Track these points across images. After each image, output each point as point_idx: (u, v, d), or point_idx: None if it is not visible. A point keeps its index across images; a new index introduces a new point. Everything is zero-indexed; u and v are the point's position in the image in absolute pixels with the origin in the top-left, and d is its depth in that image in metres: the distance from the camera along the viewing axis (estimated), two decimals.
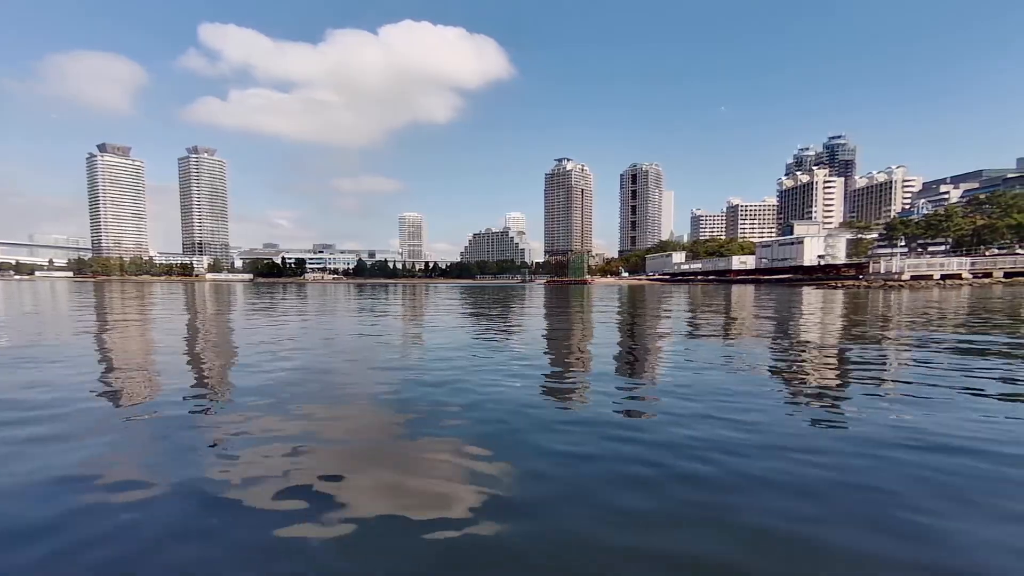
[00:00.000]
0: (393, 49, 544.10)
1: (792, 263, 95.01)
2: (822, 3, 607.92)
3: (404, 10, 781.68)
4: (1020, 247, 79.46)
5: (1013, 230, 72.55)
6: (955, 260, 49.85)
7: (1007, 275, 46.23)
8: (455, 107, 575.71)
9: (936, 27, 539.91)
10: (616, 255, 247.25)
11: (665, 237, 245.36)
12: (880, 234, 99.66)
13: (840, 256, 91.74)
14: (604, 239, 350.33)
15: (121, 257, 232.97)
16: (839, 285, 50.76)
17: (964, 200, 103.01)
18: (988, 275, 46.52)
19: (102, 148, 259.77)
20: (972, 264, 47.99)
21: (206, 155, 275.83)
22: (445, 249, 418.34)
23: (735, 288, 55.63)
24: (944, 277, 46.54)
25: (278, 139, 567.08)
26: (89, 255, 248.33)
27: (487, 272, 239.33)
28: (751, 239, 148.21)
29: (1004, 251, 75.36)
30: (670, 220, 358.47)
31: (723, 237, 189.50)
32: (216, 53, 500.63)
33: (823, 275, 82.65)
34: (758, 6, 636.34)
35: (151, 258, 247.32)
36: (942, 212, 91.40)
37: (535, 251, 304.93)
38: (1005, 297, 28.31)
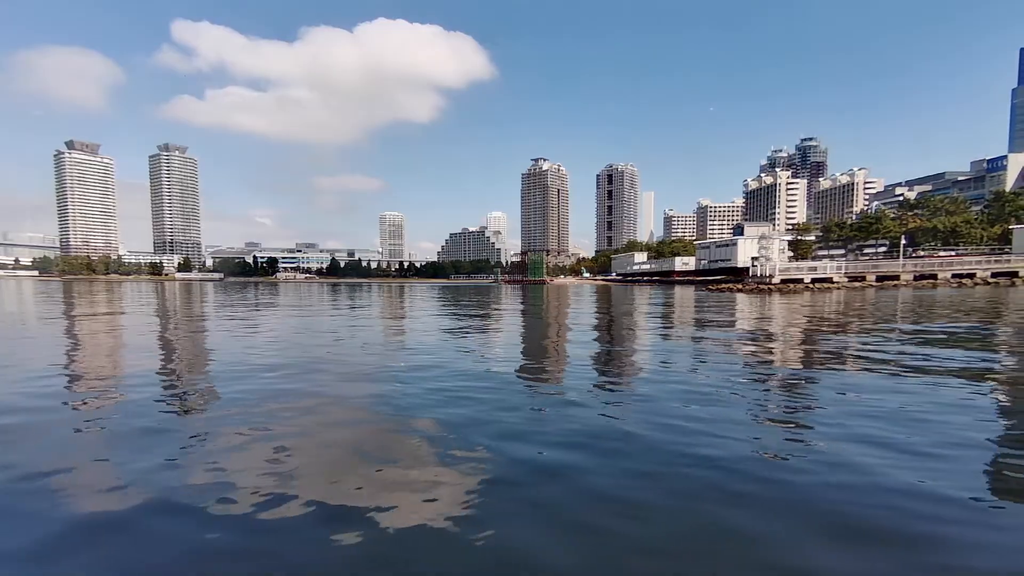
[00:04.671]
0: (369, 47, 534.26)
1: (728, 265, 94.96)
2: (813, 2, 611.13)
3: (377, 8, 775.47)
4: (944, 249, 79.95)
5: (930, 232, 72.87)
6: (831, 264, 49.97)
7: (878, 279, 46.22)
8: (436, 106, 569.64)
9: (930, 26, 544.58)
10: (593, 255, 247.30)
11: (644, 237, 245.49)
12: (817, 236, 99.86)
13: (774, 258, 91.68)
14: (588, 239, 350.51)
15: (88, 256, 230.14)
16: (713, 288, 50.69)
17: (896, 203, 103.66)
18: (861, 279, 46.50)
19: (70, 145, 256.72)
20: (845, 268, 48.01)
21: (177, 153, 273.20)
22: (430, 248, 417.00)
23: (677, 289, 56.28)
24: (815, 281, 46.48)
25: (257, 137, 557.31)
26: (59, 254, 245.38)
27: (461, 272, 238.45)
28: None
29: (928, 253, 75.76)
30: (649, 220, 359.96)
31: (690, 238, 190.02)
32: (191, 50, 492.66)
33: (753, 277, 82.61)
34: (743, 5, 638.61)
35: (120, 257, 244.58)
36: (873, 215, 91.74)
37: (515, 250, 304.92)
38: (859, 302, 28.06)
